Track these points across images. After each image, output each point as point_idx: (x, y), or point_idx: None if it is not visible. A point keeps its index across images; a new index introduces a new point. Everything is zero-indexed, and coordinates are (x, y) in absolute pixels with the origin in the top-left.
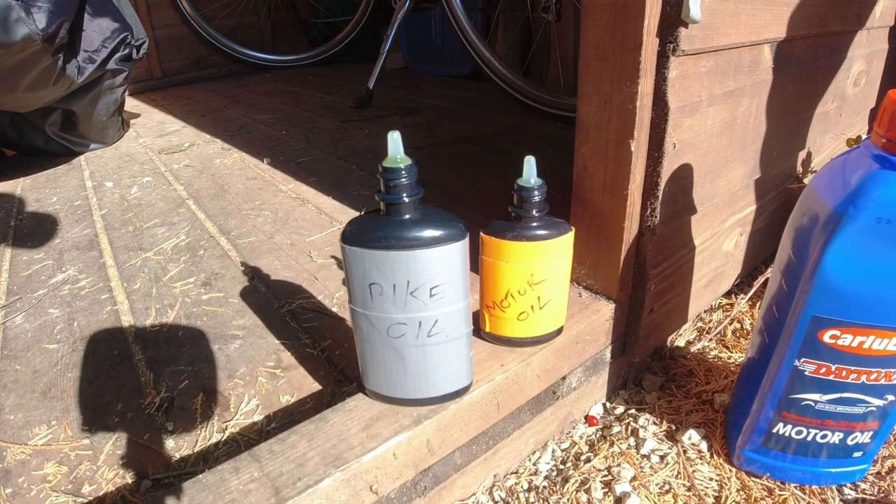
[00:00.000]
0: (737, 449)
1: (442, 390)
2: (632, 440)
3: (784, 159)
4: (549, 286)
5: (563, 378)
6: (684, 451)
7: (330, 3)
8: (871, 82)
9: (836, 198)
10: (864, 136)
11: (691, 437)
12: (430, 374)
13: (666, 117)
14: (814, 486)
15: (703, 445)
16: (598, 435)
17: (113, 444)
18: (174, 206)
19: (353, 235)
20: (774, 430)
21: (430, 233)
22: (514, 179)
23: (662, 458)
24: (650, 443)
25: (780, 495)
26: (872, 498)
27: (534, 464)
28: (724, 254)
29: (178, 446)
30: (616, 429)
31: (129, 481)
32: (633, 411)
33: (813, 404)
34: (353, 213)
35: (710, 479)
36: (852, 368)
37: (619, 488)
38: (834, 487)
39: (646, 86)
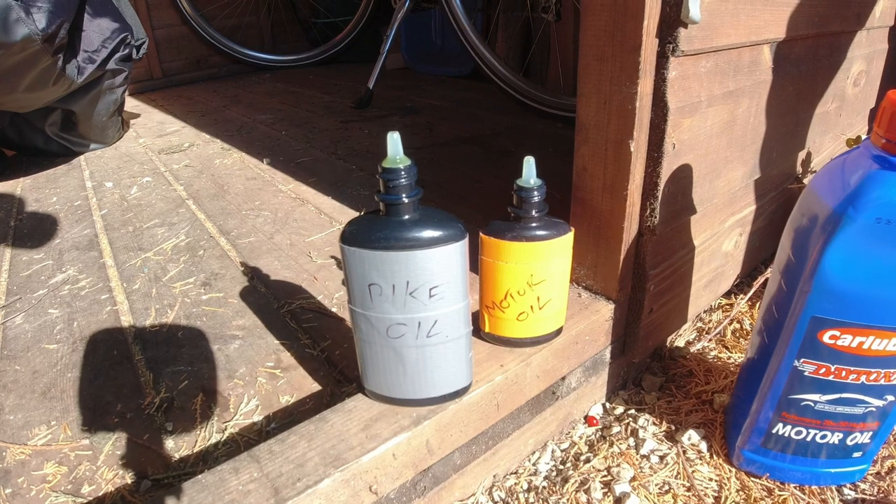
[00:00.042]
0: (736, 449)
1: (441, 391)
2: (631, 440)
3: (784, 160)
4: (548, 286)
5: (563, 378)
6: (684, 452)
7: (330, 3)
8: (871, 82)
9: (836, 198)
10: (863, 137)
11: (691, 437)
12: (430, 375)
13: (665, 118)
14: (813, 487)
15: (703, 446)
16: (597, 435)
17: (112, 444)
18: (174, 206)
19: (352, 236)
20: (774, 431)
21: (429, 233)
22: (514, 180)
23: (662, 458)
24: (650, 443)
25: (780, 495)
26: (872, 498)
27: (533, 464)
28: (723, 254)
29: (177, 446)
30: (616, 429)
31: (129, 481)
32: (632, 412)
33: (812, 405)
34: (353, 214)
35: (710, 480)
36: (852, 369)
37: (619, 488)
38: (833, 488)
39: (645, 86)
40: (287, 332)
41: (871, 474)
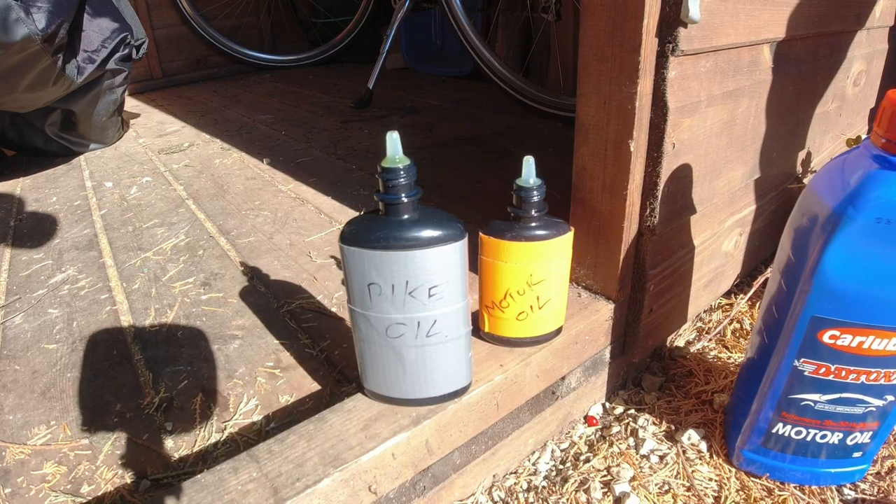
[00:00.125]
0: (736, 449)
1: (441, 390)
2: (631, 440)
3: (784, 159)
4: (548, 286)
5: (563, 378)
6: (684, 452)
7: (330, 3)
8: (871, 82)
9: (836, 198)
10: (863, 137)
11: (691, 437)
12: (429, 375)
13: (665, 117)
14: (813, 487)
15: (703, 446)
16: (597, 435)
17: (112, 444)
18: (174, 206)
19: (351, 235)
20: (774, 431)
21: (428, 233)
22: (514, 180)
23: (662, 458)
24: (649, 443)
25: (780, 495)
26: (872, 498)
27: (533, 464)
28: (723, 254)
29: (176, 446)
30: (615, 429)
31: (128, 481)
32: (632, 411)
33: (812, 404)
34: (353, 214)
35: (710, 480)
36: (852, 368)
37: (619, 488)
38: (833, 487)
39: (645, 86)
40: (286, 332)
41: (871, 474)
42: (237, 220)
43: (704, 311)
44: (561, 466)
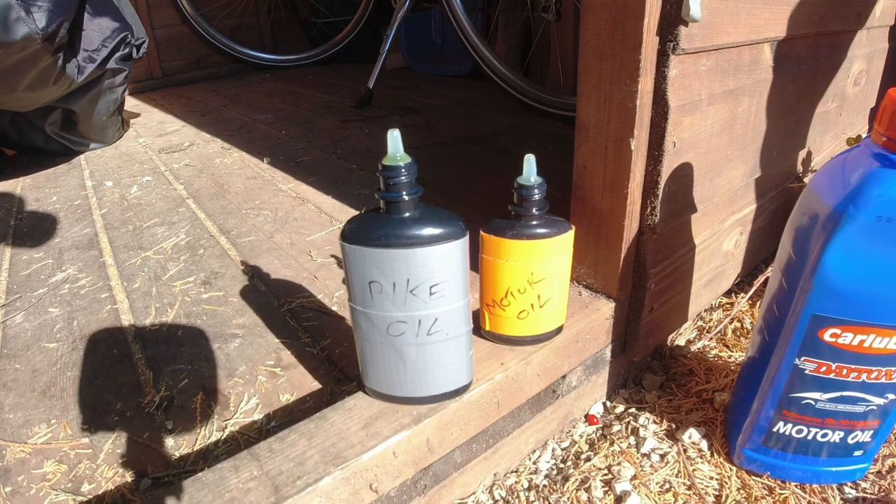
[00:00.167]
0: (737, 448)
1: (442, 389)
2: (632, 439)
3: (784, 158)
4: (548, 285)
5: (564, 377)
6: (684, 450)
7: (330, 2)
8: (872, 82)
9: (836, 197)
10: (864, 136)
11: (691, 435)
12: (430, 373)
13: (666, 116)
14: (814, 485)
15: (704, 444)
16: (598, 434)
17: (112, 442)
18: (174, 205)
19: (352, 234)
20: (775, 429)
21: (429, 231)
22: (514, 178)
23: (663, 456)
24: (650, 442)
25: (781, 494)
26: (873, 497)
27: (534, 462)
28: (724, 253)
29: (177, 445)
30: (616, 428)
31: (129, 480)
32: (633, 410)
33: (813, 403)
34: (353, 213)
35: (711, 478)
36: (853, 367)
37: (620, 487)
38: (834, 486)
39: (645, 84)
40: (287, 331)
41: (872, 473)
42: (237, 220)
43: (705, 310)
44: (562, 465)
